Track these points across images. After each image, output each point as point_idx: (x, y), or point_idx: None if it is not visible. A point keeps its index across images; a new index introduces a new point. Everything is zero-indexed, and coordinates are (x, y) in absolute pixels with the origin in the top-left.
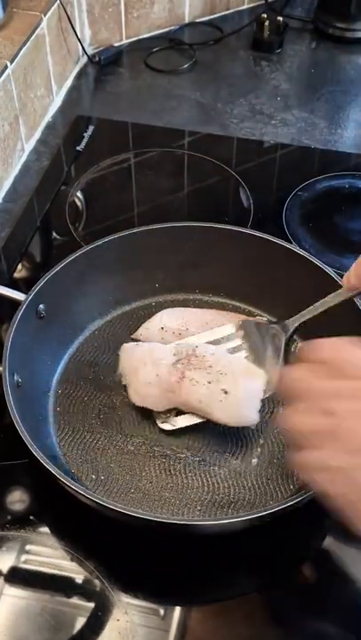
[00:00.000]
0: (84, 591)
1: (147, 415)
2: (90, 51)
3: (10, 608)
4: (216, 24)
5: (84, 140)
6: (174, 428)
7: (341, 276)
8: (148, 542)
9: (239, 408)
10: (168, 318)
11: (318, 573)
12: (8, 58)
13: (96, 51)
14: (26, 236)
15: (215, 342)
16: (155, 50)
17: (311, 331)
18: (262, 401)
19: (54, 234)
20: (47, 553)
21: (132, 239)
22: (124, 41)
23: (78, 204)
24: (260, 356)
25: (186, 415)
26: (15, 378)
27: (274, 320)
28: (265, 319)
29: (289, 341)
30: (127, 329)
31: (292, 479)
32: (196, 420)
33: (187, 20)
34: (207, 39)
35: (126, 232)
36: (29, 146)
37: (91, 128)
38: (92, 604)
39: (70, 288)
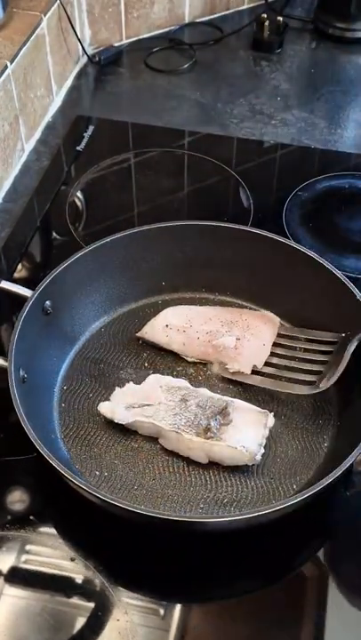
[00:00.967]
0: (84, 591)
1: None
2: (90, 51)
3: (10, 608)
4: (216, 24)
5: (84, 140)
6: None
7: (346, 277)
8: (148, 542)
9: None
10: (172, 316)
11: (319, 573)
12: (8, 58)
13: (96, 51)
14: (26, 236)
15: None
16: (155, 50)
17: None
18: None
19: (54, 234)
20: (47, 553)
21: (139, 237)
22: (124, 41)
23: (78, 203)
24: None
25: None
26: (21, 373)
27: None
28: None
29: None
30: (133, 326)
31: (295, 478)
32: None
33: (187, 20)
34: (207, 39)
35: (134, 230)
36: (29, 146)
37: (91, 128)
38: (92, 604)
39: (77, 285)
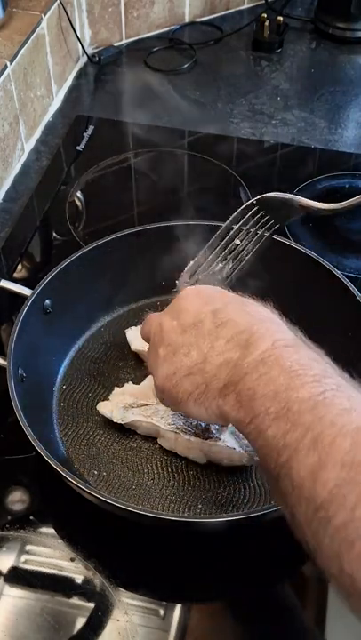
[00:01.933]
0: (84, 591)
1: None
2: (90, 50)
3: (10, 608)
4: (216, 24)
5: (84, 140)
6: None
7: (346, 277)
8: (148, 542)
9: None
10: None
11: (319, 573)
12: (8, 57)
13: (96, 50)
14: (26, 236)
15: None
16: (155, 50)
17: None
18: None
19: (54, 234)
20: (47, 553)
21: (139, 236)
22: (124, 41)
23: (78, 203)
24: None
25: None
26: (20, 372)
27: None
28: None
29: None
30: (134, 326)
31: None
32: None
33: (187, 20)
34: (207, 39)
35: (134, 229)
36: (29, 146)
37: (91, 128)
38: (92, 605)
39: (77, 284)
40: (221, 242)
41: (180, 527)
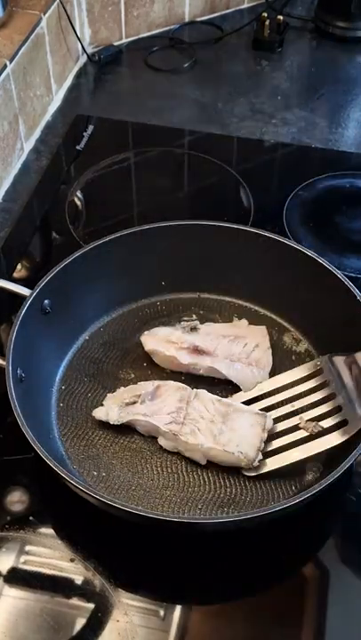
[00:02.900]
0: (83, 592)
1: None
2: (90, 50)
3: (10, 609)
4: (216, 23)
5: (84, 140)
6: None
7: (346, 277)
8: (148, 543)
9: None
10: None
11: (319, 573)
12: (7, 57)
13: (96, 50)
14: (25, 236)
15: (290, 385)
16: (155, 49)
17: (317, 329)
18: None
19: (54, 233)
20: (47, 554)
21: (139, 236)
22: (124, 40)
23: (78, 203)
24: (348, 393)
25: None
26: (19, 372)
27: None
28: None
29: None
30: (133, 327)
31: (294, 480)
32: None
33: (187, 19)
34: (207, 38)
35: (134, 229)
36: (29, 145)
37: (90, 127)
38: (91, 605)
39: (76, 284)
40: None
41: (180, 528)
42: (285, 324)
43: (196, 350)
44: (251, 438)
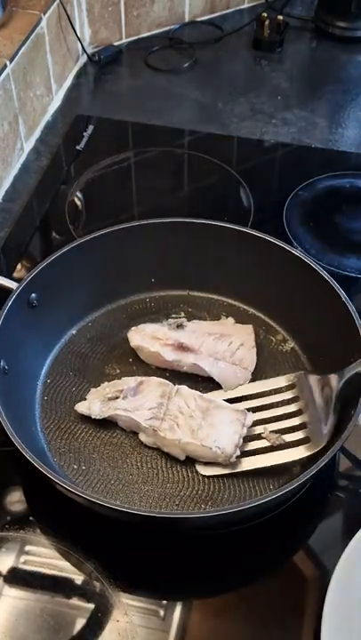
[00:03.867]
0: (83, 592)
1: None
2: (90, 50)
3: (9, 609)
4: (216, 23)
5: (84, 140)
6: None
7: (342, 275)
8: (148, 543)
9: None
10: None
11: (319, 573)
12: (7, 57)
13: (96, 50)
14: (25, 236)
15: (265, 394)
16: (155, 49)
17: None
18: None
19: (54, 233)
20: (47, 554)
21: (128, 233)
22: (124, 40)
23: (78, 203)
24: (316, 412)
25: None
26: (2, 364)
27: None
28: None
29: (340, 392)
30: (120, 322)
31: (273, 478)
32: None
33: (187, 19)
34: (207, 38)
35: (123, 225)
36: (29, 145)
37: (90, 127)
38: (91, 605)
39: (64, 279)
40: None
41: (155, 523)
42: (272, 324)
43: (181, 347)
44: (229, 434)
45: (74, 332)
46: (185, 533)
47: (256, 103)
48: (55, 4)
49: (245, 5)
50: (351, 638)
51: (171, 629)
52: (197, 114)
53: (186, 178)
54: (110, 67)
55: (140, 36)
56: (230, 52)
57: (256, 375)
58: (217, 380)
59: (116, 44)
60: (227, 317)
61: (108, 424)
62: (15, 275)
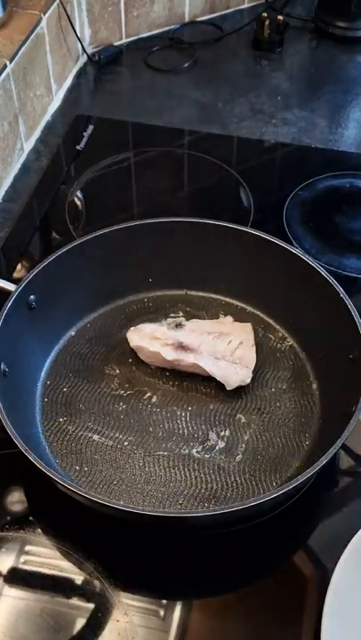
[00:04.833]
0: (83, 592)
1: (134, 408)
2: (90, 50)
3: (9, 609)
4: (216, 23)
5: (84, 140)
6: None
7: (342, 275)
8: (148, 543)
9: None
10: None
11: (319, 573)
12: (7, 57)
13: (96, 50)
14: (25, 236)
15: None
16: (155, 49)
17: (302, 327)
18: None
19: (54, 233)
20: (47, 554)
21: (126, 233)
22: (124, 40)
23: (78, 203)
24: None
25: None
26: (2, 367)
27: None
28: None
29: None
30: (119, 323)
31: (275, 475)
32: None
33: (187, 19)
34: (207, 38)
35: (121, 226)
36: (29, 145)
37: (90, 127)
38: (91, 605)
39: (63, 280)
40: None
41: (160, 522)
42: (271, 322)
43: (181, 346)
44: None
45: (73, 333)
46: (188, 533)
47: (256, 103)
48: (55, 3)
49: (245, 5)
50: (351, 638)
51: (171, 629)
52: (197, 114)
53: (186, 178)
54: (110, 67)
55: (140, 36)
56: (230, 52)
57: (256, 373)
58: (218, 379)
59: (116, 44)
60: (225, 316)
61: (109, 425)
62: (15, 275)
